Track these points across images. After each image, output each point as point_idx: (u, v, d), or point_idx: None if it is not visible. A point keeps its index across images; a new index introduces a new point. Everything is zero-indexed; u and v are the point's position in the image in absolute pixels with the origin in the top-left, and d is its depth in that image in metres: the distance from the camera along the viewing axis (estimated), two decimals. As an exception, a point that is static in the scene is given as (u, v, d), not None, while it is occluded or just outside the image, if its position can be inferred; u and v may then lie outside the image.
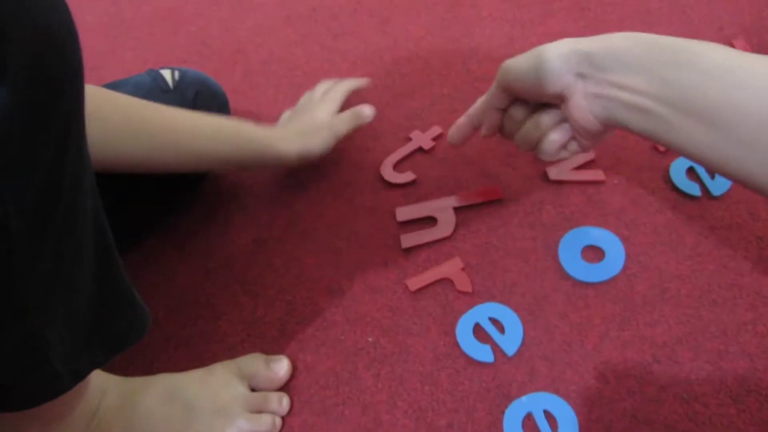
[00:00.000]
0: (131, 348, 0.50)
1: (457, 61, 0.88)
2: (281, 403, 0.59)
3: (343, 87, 0.79)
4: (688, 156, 0.45)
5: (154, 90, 0.71)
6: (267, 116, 0.85)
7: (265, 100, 0.88)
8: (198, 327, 0.67)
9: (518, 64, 0.53)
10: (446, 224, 0.70)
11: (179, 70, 0.74)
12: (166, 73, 0.73)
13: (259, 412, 0.58)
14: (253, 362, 0.61)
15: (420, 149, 0.78)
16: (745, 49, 0.80)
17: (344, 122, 0.74)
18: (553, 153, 0.56)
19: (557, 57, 0.50)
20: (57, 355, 0.40)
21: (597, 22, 0.89)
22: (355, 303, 0.66)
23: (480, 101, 0.62)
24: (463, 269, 0.67)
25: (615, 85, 0.47)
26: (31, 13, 0.30)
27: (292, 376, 0.62)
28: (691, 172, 0.70)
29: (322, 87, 0.81)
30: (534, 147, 0.58)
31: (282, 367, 0.61)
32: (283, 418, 0.59)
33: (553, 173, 0.72)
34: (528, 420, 0.57)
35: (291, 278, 0.69)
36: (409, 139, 0.79)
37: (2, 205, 0.32)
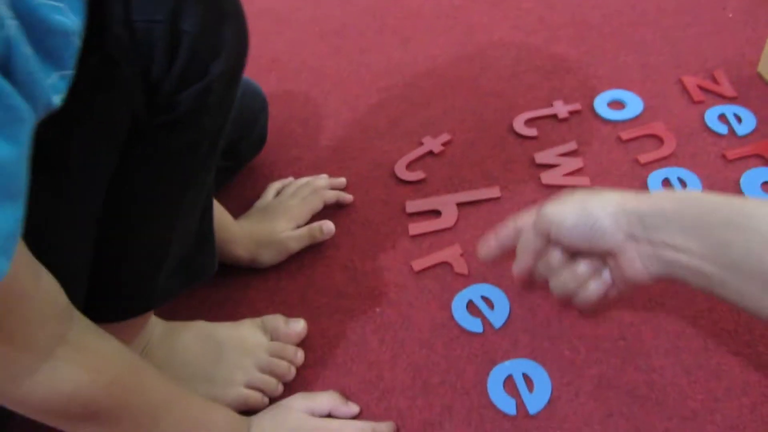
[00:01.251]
0: (178, 306, 0.63)
1: (468, 77, 0.98)
2: (296, 354, 0.69)
3: (313, 202, 0.80)
4: (746, 310, 0.46)
5: None
6: (297, 118, 0.96)
7: (296, 105, 0.99)
8: (230, 293, 0.77)
9: (563, 216, 0.53)
10: (449, 216, 0.80)
11: None
12: None
13: (279, 358, 0.68)
14: (275, 320, 0.71)
15: (430, 152, 0.88)
16: (723, 81, 0.90)
17: (298, 241, 0.77)
18: (592, 303, 0.55)
19: (607, 216, 0.50)
20: (164, 269, 0.53)
21: (596, 49, 1.00)
22: (366, 279, 0.76)
23: (512, 226, 0.60)
24: (461, 255, 0.76)
25: (671, 246, 0.47)
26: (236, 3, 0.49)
27: (308, 336, 0.72)
28: (666, 182, 0.80)
29: (298, 183, 0.84)
30: (571, 295, 0.56)
31: (299, 326, 0.71)
32: (297, 369, 0.69)
33: (546, 178, 0.82)
34: (509, 381, 0.66)
35: (310, 256, 0.79)
36: (422, 144, 0.89)
37: (202, 131, 0.52)
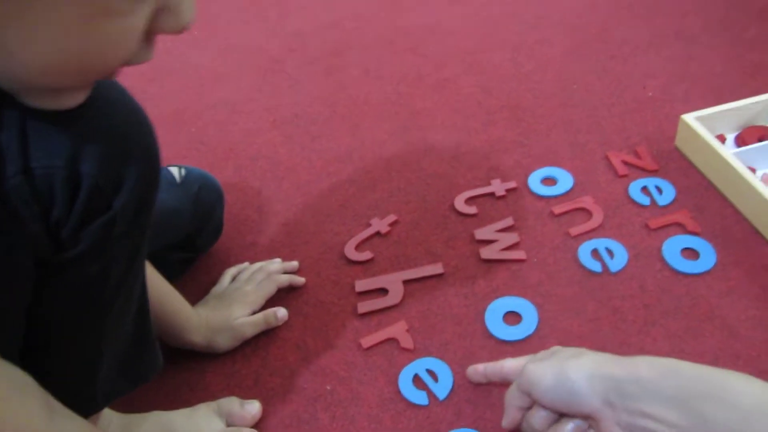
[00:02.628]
0: (133, 395, 0.65)
1: (412, 160, 1.05)
2: None
3: (268, 287, 0.84)
4: None
5: (164, 184, 0.86)
6: (252, 205, 1.01)
7: (251, 192, 1.04)
8: (186, 377, 0.80)
9: (543, 378, 0.54)
10: (396, 294, 0.85)
11: (185, 167, 0.90)
12: (174, 170, 0.89)
13: None
14: (230, 403, 0.74)
15: (378, 233, 0.94)
16: (645, 155, 0.98)
17: (253, 327, 0.81)
18: None
19: (584, 380, 0.51)
20: (101, 377, 0.55)
21: (529, 131, 1.07)
22: (317, 358, 0.80)
23: (500, 366, 0.63)
24: (407, 330, 0.81)
25: (650, 417, 0.47)
26: (144, 138, 0.51)
27: (262, 417, 0.75)
28: (595, 252, 0.86)
29: (253, 268, 0.88)
30: None
31: (254, 408, 0.74)
32: (253, 450, 0.72)
33: (485, 253, 0.88)
34: (453, 451, 0.70)
35: (265, 338, 0.83)
36: (369, 225, 0.95)
37: (111, 259, 0.51)
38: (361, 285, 0.87)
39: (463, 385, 0.75)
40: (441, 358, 0.78)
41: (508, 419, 0.61)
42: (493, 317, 0.80)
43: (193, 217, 0.85)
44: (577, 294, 0.82)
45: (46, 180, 0.44)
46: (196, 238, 0.86)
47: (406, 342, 0.79)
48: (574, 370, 0.52)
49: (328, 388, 0.77)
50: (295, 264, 0.90)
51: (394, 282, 0.86)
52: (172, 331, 0.76)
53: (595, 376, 0.50)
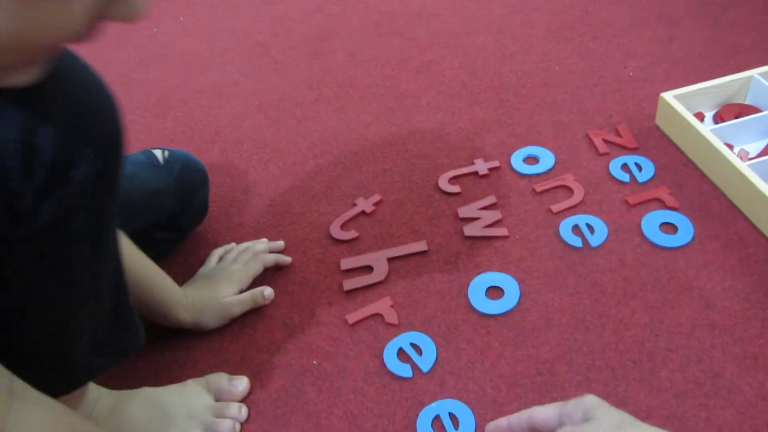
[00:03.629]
0: (121, 373, 0.66)
1: (397, 141, 1.06)
2: (240, 411, 0.73)
3: (254, 266, 0.85)
4: None
5: (147, 165, 0.88)
6: (239, 187, 1.02)
7: (238, 174, 1.05)
8: (175, 355, 0.81)
9: None
10: (380, 271, 0.86)
11: (168, 149, 0.91)
12: (158, 152, 0.90)
13: (223, 417, 0.72)
14: (219, 379, 0.75)
15: (363, 212, 0.95)
16: (626, 134, 1.00)
17: (240, 305, 0.82)
18: None
19: None
20: (79, 350, 0.56)
21: (513, 111, 1.09)
22: (304, 334, 0.81)
23: (526, 417, 0.60)
24: (392, 306, 0.82)
25: None
26: (106, 112, 0.50)
27: (250, 392, 0.76)
28: (575, 228, 0.88)
29: (239, 248, 0.89)
30: None
31: (242, 383, 0.75)
32: (241, 424, 0.73)
33: (468, 231, 0.89)
34: (436, 421, 0.71)
35: (252, 316, 0.84)
36: (355, 205, 0.96)
37: (71, 233, 0.51)
38: (346, 263, 0.88)
39: (446, 357, 0.77)
40: (425, 332, 0.79)
41: None
42: (476, 292, 0.82)
43: (177, 196, 0.86)
44: (558, 268, 0.84)
45: (1, 152, 0.44)
46: (180, 217, 0.87)
47: (391, 317, 0.81)
48: None
49: (315, 363, 0.78)
50: (281, 243, 0.91)
51: (378, 259, 0.88)
52: (160, 309, 0.77)
53: None
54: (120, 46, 1.35)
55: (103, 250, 0.57)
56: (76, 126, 0.48)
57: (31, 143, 0.45)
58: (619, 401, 0.70)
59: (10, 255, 0.49)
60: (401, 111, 1.13)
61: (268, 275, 0.88)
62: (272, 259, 0.88)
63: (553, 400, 0.71)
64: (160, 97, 1.23)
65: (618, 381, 0.72)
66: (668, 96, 0.98)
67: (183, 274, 0.88)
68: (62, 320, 0.55)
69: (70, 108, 0.48)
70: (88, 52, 0.53)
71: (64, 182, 0.48)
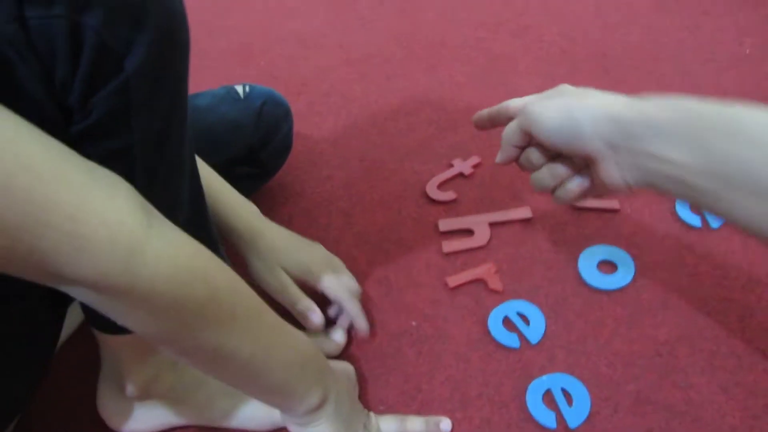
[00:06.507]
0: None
1: (494, 102, 1.00)
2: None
3: (355, 286, 0.74)
4: (735, 224, 0.43)
5: (227, 99, 0.84)
6: (327, 139, 0.98)
7: (326, 126, 1.01)
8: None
9: (547, 119, 0.51)
10: (482, 235, 0.81)
11: (249, 85, 0.87)
12: (239, 87, 0.86)
13: None
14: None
15: (461, 174, 0.90)
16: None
17: (292, 289, 0.71)
18: (567, 201, 0.56)
19: (588, 121, 0.48)
20: None
21: (617, 82, 1.03)
22: (400, 294, 0.77)
23: (504, 107, 0.60)
24: (495, 272, 0.78)
25: (655, 157, 0.45)
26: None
27: (345, 350, 0.73)
28: (695, 206, 0.82)
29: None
30: (549, 191, 0.57)
31: (338, 335, 0.71)
32: (337, 381, 0.69)
33: (576, 200, 0.84)
34: (547, 395, 0.67)
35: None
36: (452, 165, 0.91)
37: (131, 134, 0.45)
38: (445, 224, 0.83)
39: (556, 331, 0.72)
40: (532, 301, 0.75)
41: (504, 156, 0.58)
42: (587, 265, 0.77)
43: (257, 130, 0.82)
44: (675, 247, 0.78)
45: (44, 32, 0.38)
46: (260, 151, 0.83)
47: (495, 284, 0.76)
48: (579, 111, 0.49)
49: (414, 324, 0.74)
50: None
51: (480, 223, 0.83)
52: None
53: (601, 117, 0.47)
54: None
55: (172, 167, 0.50)
56: (129, 3, 0.41)
57: (78, 22, 0.39)
58: (748, 392, 0.65)
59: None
60: (497, 74, 1.07)
61: (360, 236, 0.84)
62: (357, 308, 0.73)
63: (674, 385, 0.66)
64: (243, 44, 1.19)
65: (746, 371, 0.67)
66: (795, 75, 0.92)
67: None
68: None
69: None
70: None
71: (117, 71, 0.42)
